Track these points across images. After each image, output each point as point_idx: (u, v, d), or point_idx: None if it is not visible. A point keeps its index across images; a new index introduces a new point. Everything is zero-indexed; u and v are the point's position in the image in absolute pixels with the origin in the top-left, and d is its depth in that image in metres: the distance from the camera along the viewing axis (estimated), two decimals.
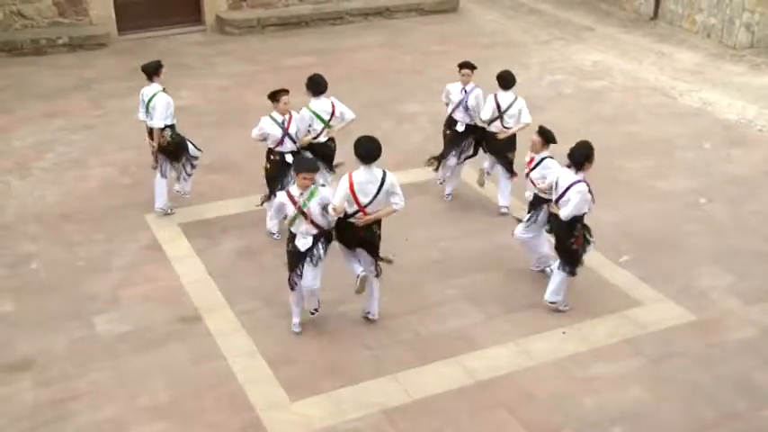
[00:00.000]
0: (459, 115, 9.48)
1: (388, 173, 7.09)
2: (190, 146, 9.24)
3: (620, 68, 14.69)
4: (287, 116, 8.49)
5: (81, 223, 9.26)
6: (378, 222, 7.25)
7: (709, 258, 8.79)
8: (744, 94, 13.47)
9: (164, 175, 9.16)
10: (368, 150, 6.97)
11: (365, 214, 7.07)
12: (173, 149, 9.03)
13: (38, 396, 6.68)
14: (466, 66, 9.41)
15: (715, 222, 9.53)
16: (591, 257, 8.70)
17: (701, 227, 9.42)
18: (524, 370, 7.05)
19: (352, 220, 7.07)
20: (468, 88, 9.39)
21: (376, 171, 7.01)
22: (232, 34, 16.03)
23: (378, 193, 7.03)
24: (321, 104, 8.82)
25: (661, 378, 7.00)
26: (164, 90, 8.95)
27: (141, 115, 9.13)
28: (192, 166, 9.30)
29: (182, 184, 9.39)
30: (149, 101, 8.91)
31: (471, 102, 9.37)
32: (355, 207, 7.03)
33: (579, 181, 7.39)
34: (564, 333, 7.53)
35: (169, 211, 9.37)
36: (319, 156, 8.71)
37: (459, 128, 9.48)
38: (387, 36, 16.09)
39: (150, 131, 8.99)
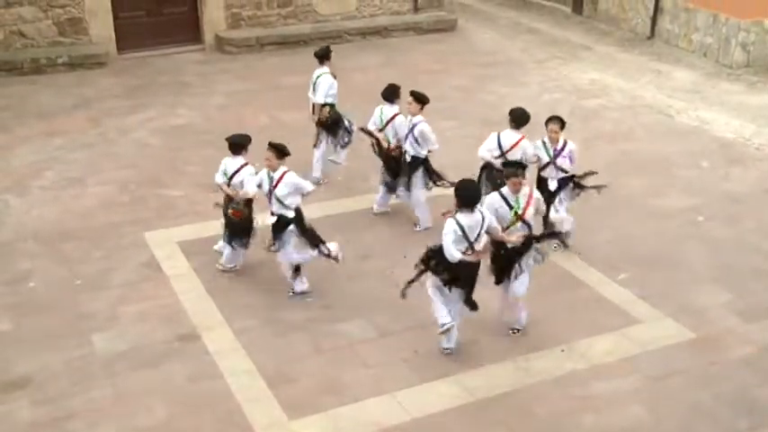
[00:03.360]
0: (550, 172, 8.79)
1: (485, 213, 7.09)
2: (346, 121, 10.26)
3: (617, 87, 14.76)
4: (276, 174, 7.94)
5: (79, 241, 9.25)
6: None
7: (708, 276, 8.79)
8: (741, 113, 13.53)
9: (317, 147, 10.28)
10: (471, 195, 6.96)
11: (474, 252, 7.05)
12: (330, 124, 10.17)
13: (35, 414, 6.64)
14: (554, 120, 8.64)
15: (713, 240, 9.54)
16: (589, 275, 8.72)
17: (700, 245, 9.43)
18: (523, 388, 7.03)
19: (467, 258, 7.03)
20: (558, 146, 8.69)
21: (477, 214, 7.00)
22: (231, 53, 16.11)
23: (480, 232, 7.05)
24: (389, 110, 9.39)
25: (660, 396, 6.97)
26: (330, 73, 10.14)
27: (309, 93, 10.36)
28: (348, 141, 10.29)
29: (337, 153, 10.37)
30: (316, 79, 10.11)
31: (562, 160, 8.71)
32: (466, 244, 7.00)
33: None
34: (563, 351, 7.51)
35: (322, 182, 10.22)
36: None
37: (552, 185, 8.80)
38: (385, 55, 16.17)
39: (314, 107, 10.22)
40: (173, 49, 16.04)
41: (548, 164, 8.71)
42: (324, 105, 10.09)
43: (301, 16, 17.06)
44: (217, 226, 9.56)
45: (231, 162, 8.34)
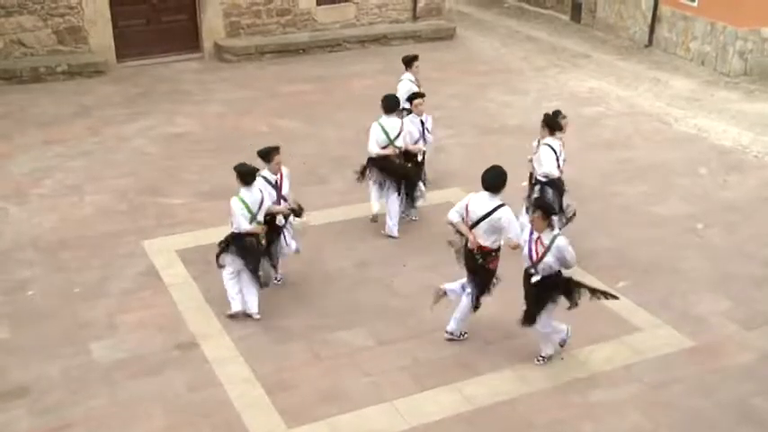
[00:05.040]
0: None
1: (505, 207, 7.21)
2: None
3: (616, 95, 14.79)
4: (278, 175, 8.09)
5: (78, 250, 9.24)
6: (484, 255, 7.31)
7: (707, 284, 8.79)
8: (739, 121, 13.55)
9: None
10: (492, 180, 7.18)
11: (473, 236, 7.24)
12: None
13: (32, 424, 6.62)
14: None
15: (712, 248, 9.54)
16: (588, 283, 8.69)
17: (699, 252, 9.43)
18: (523, 396, 7.02)
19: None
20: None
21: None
22: (230, 61, 16.13)
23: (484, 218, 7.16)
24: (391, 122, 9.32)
25: (660, 404, 6.96)
26: (410, 79, 10.54)
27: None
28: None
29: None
30: (399, 83, 10.62)
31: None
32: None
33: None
34: (562, 359, 7.50)
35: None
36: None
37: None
38: (384, 63, 16.18)
39: None
40: (172, 58, 16.07)
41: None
42: (402, 110, 10.19)
43: (300, 25, 17.10)
44: (215, 233, 9.57)
45: (249, 195, 7.67)
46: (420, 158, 9.62)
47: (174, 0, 16.10)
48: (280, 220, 8.01)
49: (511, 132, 12.64)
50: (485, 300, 7.50)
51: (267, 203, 7.82)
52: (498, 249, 7.36)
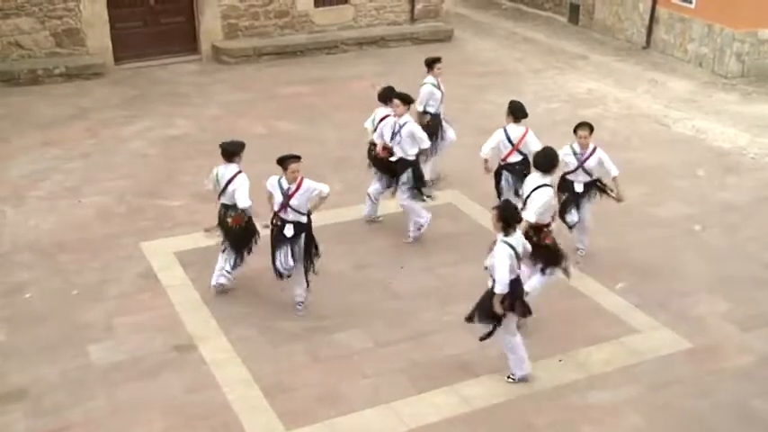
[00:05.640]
0: (576, 176, 8.91)
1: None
2: (448, 131, 10.59)
3: (614, 96, 14.80)
4: (293, 185, 7.75)
5: (76, 252, 9.23)
6: (537, 233, 7.60)
7: (705, 285, 8.79)
8: (736, 123, 13.57)
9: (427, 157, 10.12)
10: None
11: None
12: (432, 130, 10.16)
13: (30, 427, 6.61)
14: (583, 126, 8.82)
15: (710, 249, 9.55)
16: (587, 284, 8.72)
17: (697, 254, 9.44)
18: (522, 398, 7.01)
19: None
20: (588, 152, 8.84)
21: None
22: (228, 63, 16.13)
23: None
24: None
25: (659, 406, 6.96)
26: (432, 83, 10.35)
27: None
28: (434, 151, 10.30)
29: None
30: (421, 86, 10.40)
31: (591, 163, 8.84)
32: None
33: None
34: (560, 361, 7.50)
35: (433, 181, 10.10)
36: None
37: (578, 188, 8.94)
38: (381, 65, 16.20)
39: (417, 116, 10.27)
40: (170, 60, 16.06)
41: (576, 168, 8.85)
42: (424, 113, 10.29)
43: (298, 26, 17.10)
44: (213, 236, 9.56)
45: (224, 170, 8.14)
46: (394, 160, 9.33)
47: (172, 2, 16.10)
48: (289, 230, 7.79)
49: None
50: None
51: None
52: (548, 225, 7.70)
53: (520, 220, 6.89)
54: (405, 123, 9.19)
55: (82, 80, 14.90)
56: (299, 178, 7.74)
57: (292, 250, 7.84)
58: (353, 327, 7.91)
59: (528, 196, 7.69)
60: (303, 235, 7.90)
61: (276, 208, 7.84)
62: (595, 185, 9.03)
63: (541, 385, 7.17)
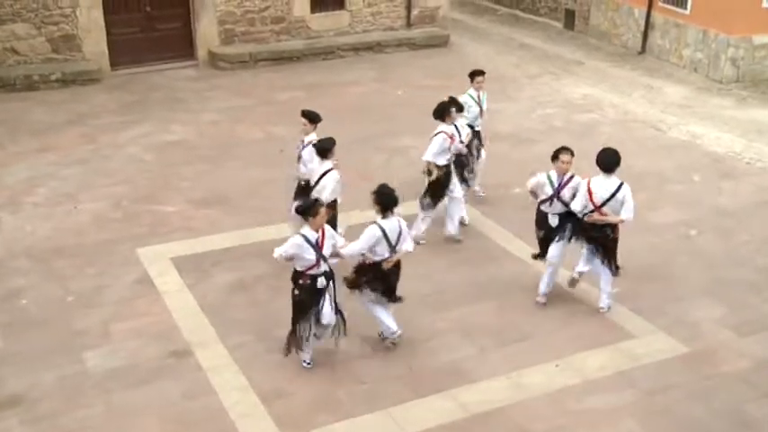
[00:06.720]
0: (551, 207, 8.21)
1: (625, 184, 7.92)
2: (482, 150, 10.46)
3: (609, 102, 14.84)
4: (320, 233, 7.01)
5: (72, 258, 9.22)
6: (613, 228, 8.13)
7: (701, 290, 8.81)
8: (731, 128, 13.62)
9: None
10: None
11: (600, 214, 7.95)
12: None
13: None
14: (564, 151, 8.08)
15: (706, 254, 9.57)
16: (583, 289, 8.73)
17: (693, 259, 9.46)
18: (518, 403, 7.02)
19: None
20: (565, 178, 8.08)
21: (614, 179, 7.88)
22: (224, 69, 16.13)
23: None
24: None
25: (655, 411, 6.97)
26: (470, 95, 10.31)
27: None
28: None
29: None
30: (461, 96, 10.21)
31: (567, 194, 8.11)
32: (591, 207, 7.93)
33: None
34: (557, 366, 7.50)
35: (482, 192, 10.52)
36: None
37: (552, 221, 8.25)
38: (378, 70, 16.23)
39: None
40: (166, 65, 16.06)
41: (550, 197, 8.12)
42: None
43: (294, 32, 17.11)
44: (209, 241, 9.57)
45: (318, 166, 8.42)
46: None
47: (169, 8, 16.11)
48: (321, 282, 7.11)
49: (504, 139, 12.66)
50: (480, 306, 7.50)
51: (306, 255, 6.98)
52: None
53: (396, 204, 7.27)
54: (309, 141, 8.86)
55: (78, 86, 14.89)
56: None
57: (331, 302, 7.28)
58: (350, 333, 7.89)
59: (609, 199, 7.95)
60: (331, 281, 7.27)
61: (307, 265, 7.04)
62: (574, 219, 8.10)
63: (538, 391, 7.17)
